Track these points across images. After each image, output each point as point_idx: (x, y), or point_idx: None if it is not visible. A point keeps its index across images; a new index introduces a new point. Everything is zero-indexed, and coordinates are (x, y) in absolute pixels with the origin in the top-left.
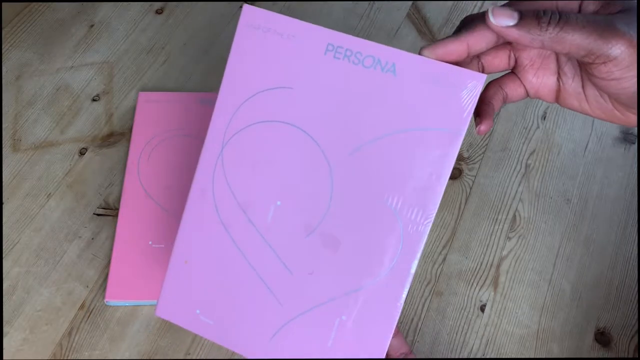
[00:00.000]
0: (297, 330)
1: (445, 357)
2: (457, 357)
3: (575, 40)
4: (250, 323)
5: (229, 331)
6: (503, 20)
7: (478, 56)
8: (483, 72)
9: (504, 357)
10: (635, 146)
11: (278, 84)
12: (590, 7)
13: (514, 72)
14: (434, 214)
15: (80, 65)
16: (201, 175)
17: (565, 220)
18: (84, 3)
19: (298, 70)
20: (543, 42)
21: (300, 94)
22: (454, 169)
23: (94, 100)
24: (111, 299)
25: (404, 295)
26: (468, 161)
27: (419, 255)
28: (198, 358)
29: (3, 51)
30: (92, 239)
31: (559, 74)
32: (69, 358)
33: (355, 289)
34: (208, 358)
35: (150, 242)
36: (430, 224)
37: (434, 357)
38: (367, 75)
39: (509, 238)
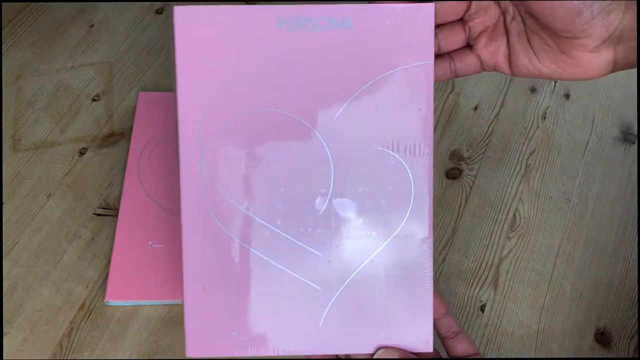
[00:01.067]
0: (344, 303)
1: (445, 357)
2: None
3: None
4: (295, 320)
5: (275, 338)
6: None
7: (436, 36)
8: (439, 51)
9: (504, 357)
10: (635, 146)
11: (239, 73)
12: None
13: (469, 45)
14: (432, 146)
15: (80, 65)
16: (188, 192)
17: (565, 220)
18: (84, 3)
19: (255, 52)
20: None
21: (266, 76)
22: (454, 169)
23: (94, 100)
24: (111, 299)
25: (431, 238)
26: (468, 161)
27: (431, 187)
28: (198, 358)
29: (3, 51)
30: (92, 239)
31: (507, 36)
32: (69, 358)
33: (384, 243)
34: (208, 358)
35: (150, 242)
36: (432, 157)
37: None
38: (327, 36)
39: (509, 238)
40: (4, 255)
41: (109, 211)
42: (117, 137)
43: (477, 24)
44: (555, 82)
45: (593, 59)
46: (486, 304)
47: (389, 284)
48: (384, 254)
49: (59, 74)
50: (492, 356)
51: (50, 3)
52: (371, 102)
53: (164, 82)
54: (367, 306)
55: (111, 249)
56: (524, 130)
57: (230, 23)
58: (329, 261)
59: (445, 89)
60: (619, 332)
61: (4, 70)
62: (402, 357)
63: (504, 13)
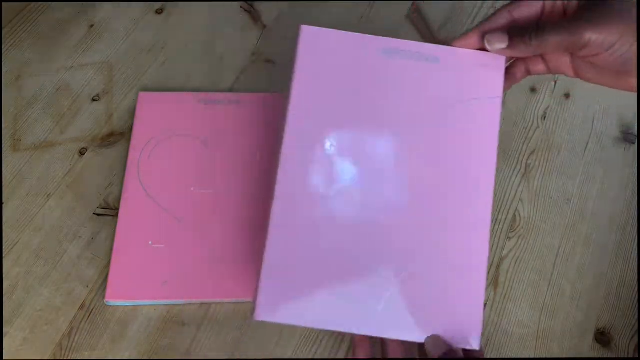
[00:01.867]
0: (403, 290)
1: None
2: None
3: (555, 44)
4: (358, 303)
5: (339, 315)
6: (497, 45)
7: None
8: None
9: (504, 357)
10: (635, 146)
11: (346, 89)
12: (571, 7)
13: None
14: (495, 156)
15: (80, 65)
16: (283, 181)
17: (565, 220)
18: (84, 3)
19: (361, 71)
20: (532, 52)
21: (367, 92)
22: None
23: (94, 100)
24: (111, 299)
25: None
26: None
27: (492, 196)
28: (198, 358)
29: (3, 51)
30: (92, 239)
31: (571, 55)
32: (69, 358)
33: (447, 240)
34: (208, 358)
35: (150, 242)
36: (495, 164)
37: None
38: (418, 67)
39: (509, 238)
40: (4, 255)
41: (109, 211)
42: (117, 137)
43: None
44: (555, 82)
45: None
46: (486, 303)
47: (446, 280)
48: (441, 250)
49: (59, 74)
50: (492, 356)
51: (50, 3)
52: (442, 121)
53: (164, 82)
54: (424, 297)
55: (111, 249)
56: (524, 130)
57: (344, 46)
58: (395, 248)
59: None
60: (619, 332)
61: (4, 70)
62: (447, 350)
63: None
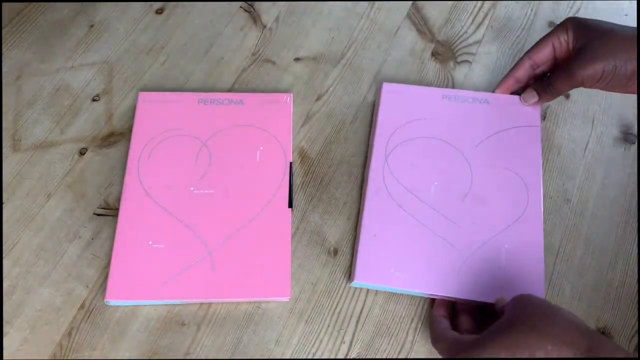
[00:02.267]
0: (475, 264)
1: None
2: None
3: (565, 88)
4: (438, 268)
5: (421, 278)
6: (530, 100)
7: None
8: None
9: None
10: (635, 146)
11: (415, 117)
12: (572, 43)
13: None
14: (541, 171)
15: (80, 65)
16: (373, 179)
17: (565, 220)
18: (84, 3)
19: (427, 108)
20: (553, 98)
21: (432, 121)
22: None
23: (94, 100)
24: (111, 299)
25: (541, 225)
26: None
27: (542, 193)
28: (198, 358)
29: (3, 51)
30: (92, 239)
31: None
32: (69, 358)
33: (508, 225)
34: (208, 358)
35: (150, 242)
36: (542, 180)
37: (434, 357)
38: (473, 107)
39: None
40: (4, 255)
41: (109, 211)
42: (117, 137)
43: None
44: None
45: None
46: None
47: (509, 255)
48: (506, 233)
49: (59, 74)
50: None
51: (50, 3)
52: (497, 141)
53: (164, 82)
54: (492, 267)
55: (111, 249)
56: None
57: (413, 94)
58: (467, 232)
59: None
60: (619, 332)
61: (4, 70)
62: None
63: None
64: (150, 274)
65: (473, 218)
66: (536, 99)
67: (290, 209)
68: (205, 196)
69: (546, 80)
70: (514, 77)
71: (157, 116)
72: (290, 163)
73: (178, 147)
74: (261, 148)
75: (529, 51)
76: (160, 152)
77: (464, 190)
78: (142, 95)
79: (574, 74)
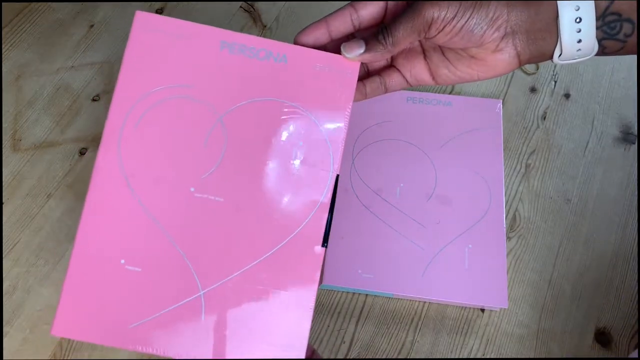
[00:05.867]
0: (440, 264)
1: (445, 357)
2: (457, 357)
3: (406, 35)
4: (404, 268)
5: (387, 279)
6: (354, 51)
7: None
8: (368, 73)
9: (504, 357)
10: (635, 146)
11: (380, 120)
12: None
13: (393, 65)
14: (503, 172)
15: (80, 65)
16: (341, 181)
17: (565, 220)
18: (84, 3)
19: (392, 112)
20: (391, 52)
21: (397, 124)
22: None
23: (94, 100)
24: (57, 334)
25: (506, 224)
26: None
27: (504, 193)
28: (198, 358)
29: (3, 51)
30: None
31: (424, 53)
32: (69, 358)
33: (471, 226)
34: (208, 358)
35: (122, 261)
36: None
37: (434, 357)
38: (436, 109)
39: (509, 238)
40: (4, 255)
41: None
42: None
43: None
44: (555, 82)
45: (499, 56)
46: None
47: (472, 255)
48: (469, 234)
49: (59, 74)
50: (492, 356)
51: (50, 3)
52: (460, 142)
53: None
54: (456, 267)
55: None
56: (524, 130)
57: (378, 97)
58: (432, 233)
59: (445, 88)
60: (619, 332)
61: (4, 70)
62: None
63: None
64: (116, 308)
65: (438, 219)
66: (362, 49)
67: (324, 248)
68: (210, 204)
69: (381, 26)
70: (326, 24)
71: (159, 58)
72: (337, 177)
73: (182, 117)
74: (300, 144)
75: (354, 1)
76: (154, 121)
77: (428, 191)
78: (141, 17)
79: (420, 12)
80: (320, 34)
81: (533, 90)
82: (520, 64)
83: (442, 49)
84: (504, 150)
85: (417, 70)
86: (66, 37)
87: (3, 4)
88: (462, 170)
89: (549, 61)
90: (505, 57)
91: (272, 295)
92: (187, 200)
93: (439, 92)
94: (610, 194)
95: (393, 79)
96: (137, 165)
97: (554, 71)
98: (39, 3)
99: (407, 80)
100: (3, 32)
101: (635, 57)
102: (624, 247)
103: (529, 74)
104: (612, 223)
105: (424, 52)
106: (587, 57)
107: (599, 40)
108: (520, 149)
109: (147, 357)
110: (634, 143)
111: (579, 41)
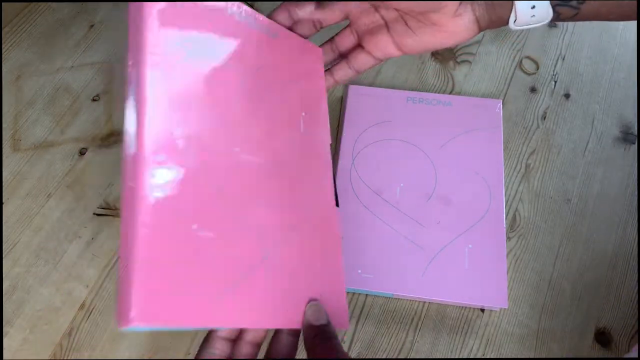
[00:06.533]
0: (440, 264)
1: (445, 357)
2: (457, 357)
3: None
4: (404, 268)
5: (387, 279)
6: (306, 8)
7: (332, 39)
8: (339, 55)
9: (504, 357)
10: (635, 146)
11: (381, 120)
12: None
13: (360, 45)
14: (502, 170)
15: (80, 65)
16: (341, 180)
17: (565, 220)
18: (84, 3)
19: (393, 112)
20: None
21: (397, 124)
22: None
23: (94, 100)
24: (139, 323)
25: (506, 224)
26: None
27: (504, 193)
28: (198, 358)
29: (3, 51)
30: (92, 239)
31: (387, 26)
32: (69, 358)
33: (471, 226)
34: (209, 358)
35: (194, 227)
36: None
37: (434, 357)
38: (437, 109)
39: (509, 238)
40: (4, 255)
41: (109, 211)
42: (117, 137)
43: (360, 25)
44: (555, 82)
45: (459, 22)
46: None
47: (472, 255)
48: (469, 234)
49: (59, 74)
50: (492, 356)
51: (50, 3)
52: (460, 142)
53: None
54: (456, 267)
55: (111, 249)
56: (524, 130)
57: (379, 97)
58: (432, 232)
59: (446, 89)
60: (619, 332)
61: (4, 70)
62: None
63: (378, 10)
64: (199, 279)
65: (438, 219)
66: (312, 6)
67: (337, 207)
68: (251, 166)
69: None
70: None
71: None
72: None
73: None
74: (303, 114)
75: None
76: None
77: (428, 191)
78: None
79: None
80: (283, 18)
81: (533, 90)
82: (480, 29)
83: (404, 19)
84: (504, 150)
85: (383, 44)
86: (66, 37)
87: (3, 4)
88: (462, 170)
89: (549, 61)
90: (465, 22)
91: (309, 265)
92: (231, 159)
93: (439, 92)
94: (610, 194)
95: (359, 58)
96: (179, 117)
97: (554, 71)
98: (39, 3)
99: (374, 56)
100: (3, 32)
101: (635, 57)
102: (624, 247)
103: (529, 74)
104: (612, 223)
105: (387, 25)
106: (542, 23)
107: (553, 7)
108: (520, 149)
109: (148, 356)
110: (634, 143)
111: (533, 7)
